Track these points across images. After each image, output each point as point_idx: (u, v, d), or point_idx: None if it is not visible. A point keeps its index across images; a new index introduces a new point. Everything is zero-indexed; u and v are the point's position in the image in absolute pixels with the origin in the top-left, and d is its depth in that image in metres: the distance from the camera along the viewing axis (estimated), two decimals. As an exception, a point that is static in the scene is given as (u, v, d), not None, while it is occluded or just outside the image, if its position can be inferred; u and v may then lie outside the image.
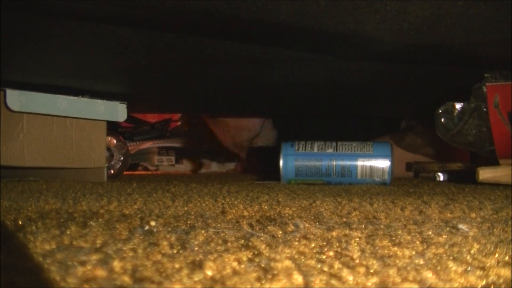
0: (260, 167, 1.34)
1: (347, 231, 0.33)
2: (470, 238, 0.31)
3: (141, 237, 0.30)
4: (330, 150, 0.79)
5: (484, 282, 0.21)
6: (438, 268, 0.23)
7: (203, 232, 0.32)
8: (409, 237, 0.31)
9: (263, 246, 0.27)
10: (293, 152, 0.80)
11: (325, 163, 0.79)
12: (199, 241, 0.29)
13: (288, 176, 0.81)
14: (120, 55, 0.66)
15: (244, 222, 0.37)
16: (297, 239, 0.30)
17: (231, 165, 1.44)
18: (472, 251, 0.27)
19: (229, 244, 0.28)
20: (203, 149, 1.42)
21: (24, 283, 0.20)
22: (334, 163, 0.79)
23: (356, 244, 0.29)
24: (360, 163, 0.79)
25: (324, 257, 0.25)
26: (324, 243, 0.29)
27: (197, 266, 0.23)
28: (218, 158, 1.41)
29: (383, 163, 0.79)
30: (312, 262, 0.24)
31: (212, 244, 0.28)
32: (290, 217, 0.40)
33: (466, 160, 0.99)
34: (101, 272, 0.22)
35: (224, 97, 0.98)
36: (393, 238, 0.30)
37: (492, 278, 0.22)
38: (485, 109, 0.72)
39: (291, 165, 0.80)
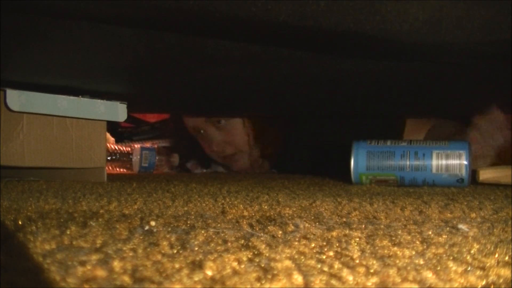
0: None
1: (347, 231, 0.33)
2: (470, 238, 0.31)
3: (141, 237, 0.30)
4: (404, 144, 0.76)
5: (484, 282, 0.21)
6: (438, 268, 0.23)
7: (203, 232, 0.32)
8: (409, 237, 0.31)
9: (263, 246, 0.27)
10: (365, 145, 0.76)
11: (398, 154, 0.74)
12: (199, 241, 0.29)
13: (359, 171, 0.75)
14: (120, 55, 0.66)
15: (244, 222, 0.37)
16: (297, 239, 0.30)
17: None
18: (472, 251, 0.27)
19: (229, 244, 0.28)
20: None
21: (24, 283, 0.20)
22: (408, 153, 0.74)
23: (356, 244, 0.29)
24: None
25: (324, 257, 0.25)
26: (324, 243, 0.29)
27: (197, 266, 0.23)
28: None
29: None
30: (312, 262, 0.24)
31: (212, 244, 0.28)
32: (290, 217, 0.40)
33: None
34: (101, 272, 0.22)
35: (223, 97, 0.98)
36: (393, 238, 0.30)
37: (492, 278, 0.22)
38: None
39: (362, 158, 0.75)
